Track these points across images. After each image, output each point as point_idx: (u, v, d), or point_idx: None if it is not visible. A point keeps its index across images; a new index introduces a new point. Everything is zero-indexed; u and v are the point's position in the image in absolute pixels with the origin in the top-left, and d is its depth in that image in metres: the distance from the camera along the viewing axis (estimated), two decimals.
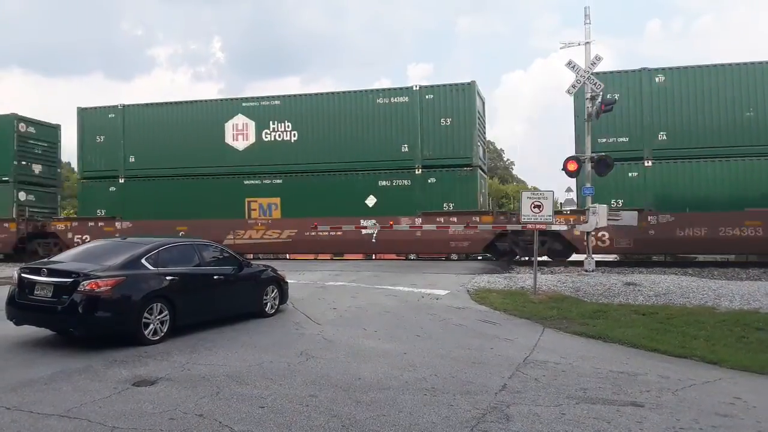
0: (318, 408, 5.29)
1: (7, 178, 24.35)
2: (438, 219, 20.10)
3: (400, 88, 21.61)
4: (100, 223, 23.45)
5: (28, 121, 25.30)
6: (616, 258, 21.42)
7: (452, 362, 7.05)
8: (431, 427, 4.88)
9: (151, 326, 7.87)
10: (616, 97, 17.91)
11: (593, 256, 16.99)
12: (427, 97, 20.92)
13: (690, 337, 8.71)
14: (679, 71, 19.34)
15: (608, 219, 16.30)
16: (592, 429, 4.86)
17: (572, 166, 16.41)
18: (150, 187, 23.51)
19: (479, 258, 21.43)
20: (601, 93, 16.29)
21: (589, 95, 16.53)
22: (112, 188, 23.90)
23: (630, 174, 19.34)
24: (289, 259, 22.87)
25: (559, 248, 19.67)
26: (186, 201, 22.74)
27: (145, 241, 9.03)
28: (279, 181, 22.29)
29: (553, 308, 10.92)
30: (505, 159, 71.96)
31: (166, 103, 24.12)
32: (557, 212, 18.54)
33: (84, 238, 22.52)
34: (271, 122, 22.42)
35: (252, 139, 22.59)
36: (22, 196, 24.84)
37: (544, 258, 20.72)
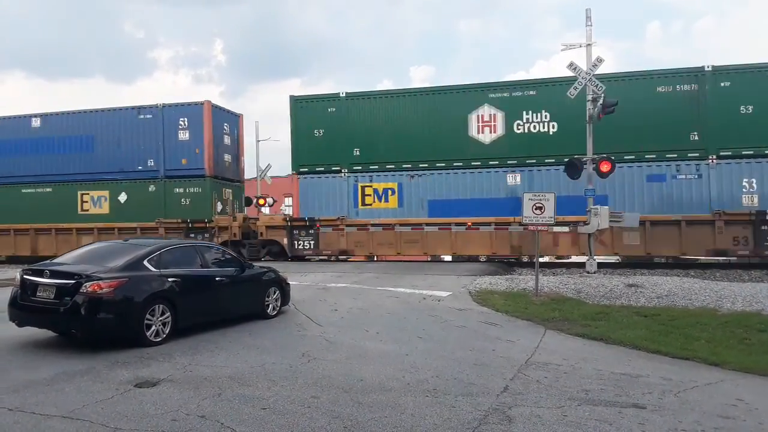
0: (320, 409, 5.30)
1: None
2: None
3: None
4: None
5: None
6: (618, 259, 21.40)
7: (454, 364, 7.05)
8: (433, 428, 4.88)
9: (153, 327, 7.88)
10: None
11: (595, 257, 17.00)
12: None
13: (692, 338, 8.70)
14: None
15: (610, 220, 16.30)
16: (594, 431, 4.86)
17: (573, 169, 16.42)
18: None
19: (482, 259, 21.39)
20: (602, 95, 16.28)
21: (590, 97, 16.52)
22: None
23: None
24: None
25: None
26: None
27: (147, 243, 9.06)
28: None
29: (554, 310, 10.92)
30: None
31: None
32: None
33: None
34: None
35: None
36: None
37: (546, 259, 20.64)
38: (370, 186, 21.30)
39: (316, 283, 14.36)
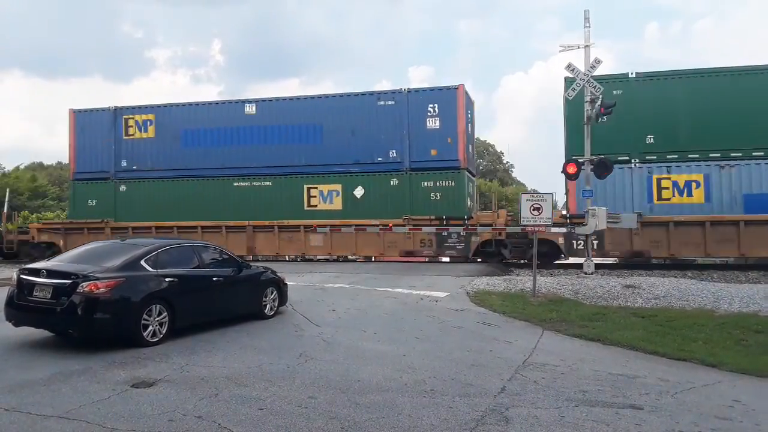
0: (317, 410, 5.29)
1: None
2: None
3: None
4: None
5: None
6: (615, 260, 21.42)
7: (451, 364, 7.04)
8: (430, 429, 4.88)
9: (150, 328, 7.86)
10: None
11: (593, 258, 17.02)
12: None
13: (689, 339, 8.72)
14: None
15: (608, 221, 16.31)
16: None
17: (571, 169, 16.43)
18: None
19: (479, 260, 21.36)
20: (600, 96, 16.30)
21: (588, 98, 16.54)
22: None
23: None
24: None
25: None
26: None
27: (145, 243, 9.03)
28: None
29: (552, 310, 10.93)
30: (504, 161, 71.94)
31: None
32: None
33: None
34: None
35: None
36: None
37: None
38: (668, 178, 18.54)
39: (314, 284, 14.35)
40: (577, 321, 10.07)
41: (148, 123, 23.16)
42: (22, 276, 8.01)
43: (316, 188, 21.27)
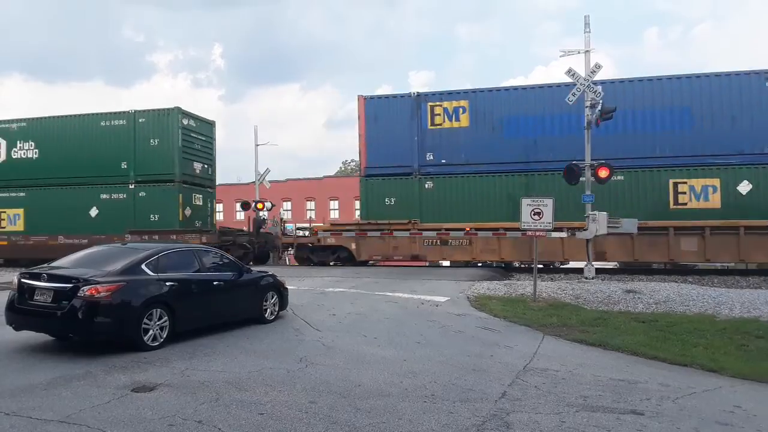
0: (317, 415, 5.28)
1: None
2: None
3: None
4: None
5: None
6: (616, 265, 21.41)
7: (452, 369, 7.04)
8: None
9: (151, 332, 7.86)
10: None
11: (593, 263, 17.00)
12: None
13: (690, 345, 8.70)
14: None
15: (608, 226, 16.30)
16: None
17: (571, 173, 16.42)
18: None
19: (479, 264, 21.37)
20: (600, 101, 16.32)
21: (588, 103, 16.56)
22: None
23: None
24: None
25: None
26: None
27: (145, 247, 9.05)
28: None
29: (553, 315, 10.92)
30: None
31: None
32: None
33: None
34: None
35: None
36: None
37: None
38: None
39: (315, 288, 14.34)
40: (578, 326, 10.06)
41: (460, 110, 20.32)
42: (22, 280, 8.02)
43: (685, 183, 18.28)
